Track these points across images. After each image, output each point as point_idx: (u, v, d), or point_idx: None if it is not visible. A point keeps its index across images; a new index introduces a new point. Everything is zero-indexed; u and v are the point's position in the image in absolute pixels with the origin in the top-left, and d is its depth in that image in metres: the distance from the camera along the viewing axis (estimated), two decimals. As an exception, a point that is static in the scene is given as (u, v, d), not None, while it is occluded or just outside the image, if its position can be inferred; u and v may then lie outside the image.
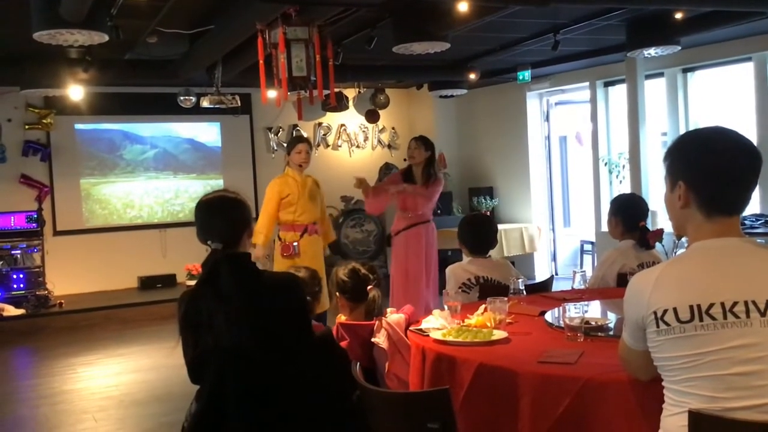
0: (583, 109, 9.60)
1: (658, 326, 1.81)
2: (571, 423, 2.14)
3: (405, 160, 5.89)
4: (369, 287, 3.23)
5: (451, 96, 9.62)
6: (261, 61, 5.17)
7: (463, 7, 5.32)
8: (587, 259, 9.44)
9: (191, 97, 8.63)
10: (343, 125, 10.67)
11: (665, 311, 1.79)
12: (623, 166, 8.78)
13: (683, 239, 1.99)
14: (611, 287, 3.69)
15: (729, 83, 8.18)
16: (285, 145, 10.13)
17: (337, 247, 7.14)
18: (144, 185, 9.68)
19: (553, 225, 10.14)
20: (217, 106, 8.23)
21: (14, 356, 7.30)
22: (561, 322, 2.71)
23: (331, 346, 2.79)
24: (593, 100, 9.09)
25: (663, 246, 3.92)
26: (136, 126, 9.63)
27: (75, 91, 7.87)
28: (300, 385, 2.45)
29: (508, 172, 10.18)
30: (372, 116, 10.32)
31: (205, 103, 8.27)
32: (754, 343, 1.73)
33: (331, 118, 10.45)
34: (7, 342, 7.45)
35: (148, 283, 9.20)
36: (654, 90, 8.46)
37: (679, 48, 6.87)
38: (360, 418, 2.48)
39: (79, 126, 9.27)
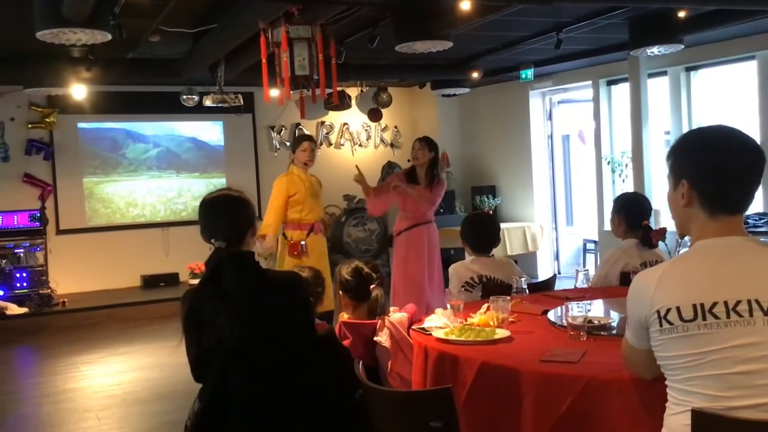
0: (586, 107, 9.59)
1: (661, 325, 1.80)
2: (573, 422, 2.14)
3: (409, 161, 5.86)
4: (372, 286, 3.24)
5: (454, 95, 9.62)
6: (264, 60, 5.17)
7: (465, 6, 5.32)
8: (590, 257, 9.44)
9: (194, 96, 8.63)
10: (345, 124, 10.67)
11: (668, 310, 1.79)
12: (626, 165, 8.77)
13: (686, 238, 1.99)
14: (614, 286, 3.69)
15: (732, 82, 8.16)
16: (288, 143, 10.26)
17: (339, 246, 7.16)
18: (147, 184, 9.69)
19: (556, 224, 10.14)
20: (219, 104, 8.23)
21: (17, 355, 7.32)
22: (564, 321, 2.71)
23: (334, 344, 2.79)
24: (596, 99, 9.08)
25: (666, 245, 3.91)
26: (139, 125, 9.64)
27: (78, 90, 7.87)
28: (303, 383, 2.45)
29: (510, 170, 10.17)
30: (374, 115, 10.31)
31: (207, 102, 8.27)
32: (757, 342, 1.73)
33: (334, 117, 10.45)
34: (10, 340, 7.46)
35: (150, 281, 9.21)
36: (657, 89, 8.44)
37: (682, 47, 6.86)
38: (363, 416, 2.48)
39: (82, 125, 9.28)
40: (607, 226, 4.98)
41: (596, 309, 3.12)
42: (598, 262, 7.66)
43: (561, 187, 10.25)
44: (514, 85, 9.62)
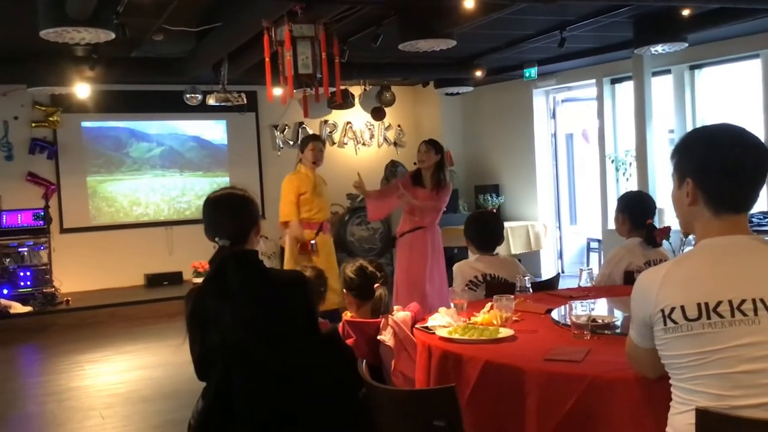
0: (590, 106, 9.58)
1: (665, 324, 1.80)
2: (577, 421, 2.13)
3: (415, 164, 5.85)
4: (376, 285, 3.24)
5: (457, 93, 9.61)
6: (267, 59, 5.17)
7: (469, 4, 5.31)
8: (594, 256, 9.43)
9: (197, 95, 8.64)
10: (349, 123, 10.67)
11: (673, 309, 1.79)
12: (630, 164, 8.76)
13: (690, 237, 1.98)
14: (618, 285, 3.68)
15: (736, 80, 8.14)
16: (291, 142, 10.27)
17: (343, 244, 7.16)
18: (150, 183, 9.70)
19: (560, 222, 10.12)
20: (223, 103, 8.24)
21: (21, 353, 7.33)
22: (567, 319, 2.70)
23: (338, 343, 2.79)
24: (600, 98, 9.06)
25: (670, 244, 3.91)
26: (143, 124, 9.66)
27: (81, 89, 7.88)
28: (306, 382, 2.45)
29: (514, 169, 10.16)
30: (378, 114, 10.31)
31: (211, 101, 8.28)
32: (761, 341, 1.72)
33: (337, 116, 10.45)
34: (14, 339, 7.48)
35: (154, 280, 9.22)
36: (661, 87, 8.43)
37: (687, 45, 6.84)
38: (366, 415, 2.48)
39: (85, 124, 9.29)
40: (611, 225, 4.98)
41: (600, 308, 3.12)
42: (602, 261, 7.65)
43: (564, 185, 10.23)
44: (517, 83, 9.61)
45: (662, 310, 1.80)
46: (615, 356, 2.20)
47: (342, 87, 8.81)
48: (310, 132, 10.32)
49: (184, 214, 9.78)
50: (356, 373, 2.47)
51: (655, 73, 8.30)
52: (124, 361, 6.41)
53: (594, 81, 9.09)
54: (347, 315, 3.20)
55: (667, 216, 7.50)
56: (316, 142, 5.88)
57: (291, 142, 10.33)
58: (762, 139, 1.88)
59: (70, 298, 8.31)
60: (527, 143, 9.95)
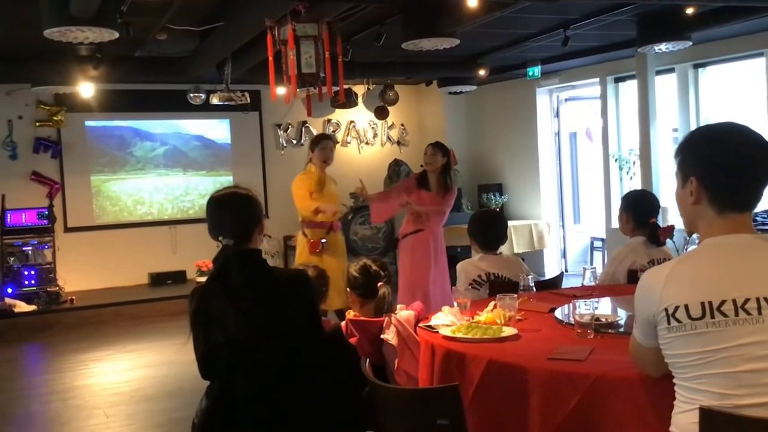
0: (594, 105, 9.57)
1: (669, 323, 1.80)
2: (581, 420, 2.13)
3: (422, 166, 5.85)
4: (379, 284, 3.24)
5: (461, 92, 9.60)
6: (270, 58, 5.18)
7: (472, 3, 5.31)
8: (597, 255, 9.42)
9: (201, 94, 8.65)
10: (352, 122, 10.67)
11: (676, 308, 1.78)
12: (634, 163, 8.75)
13: (694, 236, 1.98)
14: (622, 284, 3.68)
15: (740, 79, 8.13)
16: (295, 141, 10.28)
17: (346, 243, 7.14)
18: (154, 182, 9.71)
19: (563, 221, 10.11)
20: (226, 102, 8.25)
21: (26, 352, 7.35)
22: (571, 318, 2.70)
23: (341, 342, 2.80)
24: (603, 96, 9.05)
25: (674, 242, 3.90)
26: (146, 123, 9.67)
27: (85, 89, 7.90)
28: (309, 380, 2.45)
29: (517, 168, 10.15)
30: (381, 113, 10.31)
31: (214, 100, 8.29)
32: (765, 340, 1.72)
33: (340, 115, 10.46)
34: (19, 338, 7.50)
35: (158, 279, 9.23)
36: (665, 86, 8.41)
37: (690, 43, 6.83)
38: (369, 414, 2.48)
39: (89, 123, 9.31)
40: (615, 224, 4.97)
41: (604, 307, 3.11)
42: (606, 260, 7.64)
43: (568, 184, 10.22)
44: (521, 82, 9.59)
45: (666, 309, 1.80)
46: (618, 355, 2.20)
47: (345, 86, 8.82)
48: (314, 131, 10.33)
49: (188, 213, 9.79)
50: (359, 371, 2.47)
51: (658, 72, 8.28)
52: (128, 360, 6.43)
53: (597, 80, 9.08)
54: (350, 314, 3.20)
55: (671, 215, 7.48)
56: (327, 141, 5.90)
57: (294, 141, 10.34)
58: (766, 137, 1.88)
59: (74, 297, 8.33)
60: (530, 142, 9.94)
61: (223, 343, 2.37)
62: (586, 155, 10.28)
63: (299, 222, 5.92)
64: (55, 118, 8.95)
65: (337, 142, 10.57)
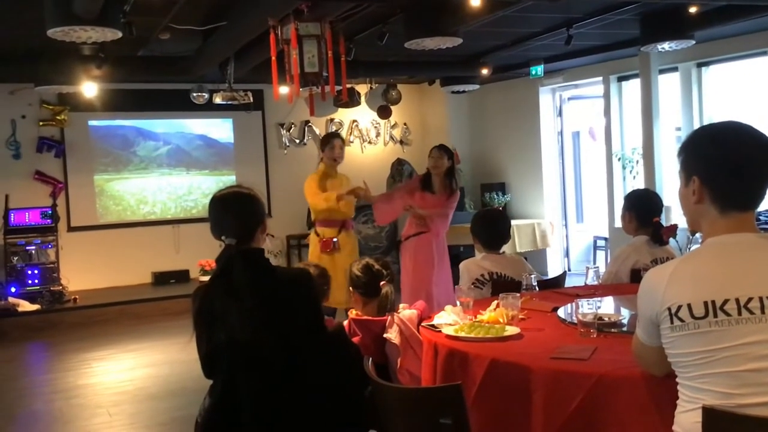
0: (597, 104, 9.56)
1: (672, 322, 1.80)
2: (584, 419, 2.13)
3: (428, 168, 5.86)
4: (382, 283, 3.24)
5: (463, 91, 9.60)
6: (273, 57, 5.18)
7: (475, 2, 5.31)
8: (600, 254, 9.41)
9: (204, 94, 8.66)
10: (355, 121, 10.67)
11: (679, 307, 1.78)
12: (637, 162, 8.74)
13: (697, 235, 1.98)
14: (624, 283, 3.67)
15: (744, 78, 8.11)
16: (298, 141, 10.29)
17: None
18: (157, 181, 9.72)
19: (566, 221, 10.10)
20: (229, 102, 8.25)
21: (29, 351, 7.37)
22: (574, 318, 2.70)
23: (344, 341, 2.80)
24: (606, 95, 9.04)
25: (677, 242, 3.89)
26: (150, 122, 9.68)
27: (89, 88, 7.91)
28: (312, 380, 2.45)
29: (520, 167, 10.15)
30: (384, 112, 10.31)
31: (217, 100, 8.30)
32: (768, 339, 1.72)
33: (343, 114, 10.46)
34: (22, 337, 7.52)
35: (161, 278, 9.25)
36: (668, 85, 8.40)
37: (694, 42, 6.82)
38: (372, 413, 2.49)
39: (92, 122, 9.32)
40: (618, 223, 4.98)
41: (607, 306, 3.11)
42: (609, 259, 7.63)
43: (571, 183, 10.21)
44: (524, 81, 9.59)
45: (669, 308, 1.80)
46: (621, 354, 2.20)
47: (348, 85, 8.83)
48: (317, 130, 10.35)
49: (191, 213, 9.80)
50: (362, 370, 2.47)
51: (662, 71, 8.27)
52: (131, 359, 6.44)
53: (601, 79, 9.07)
54: (353, 313, 3.20)
55: (674, 214, 7.48)
56: (336, 140, 5.91)
57: (297, 141, 10.35)
58: (769, 136, 1.87)
59: (77, 296, 8.34)
60: (533, 141, 9.93)
61: (225, 342, 2.37)
62: (589, 154, 10.27)
63: (312, 221, 5.96)
64: (58, 117, 8.97)
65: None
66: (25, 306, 7.94)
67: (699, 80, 8.23)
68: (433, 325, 2.84)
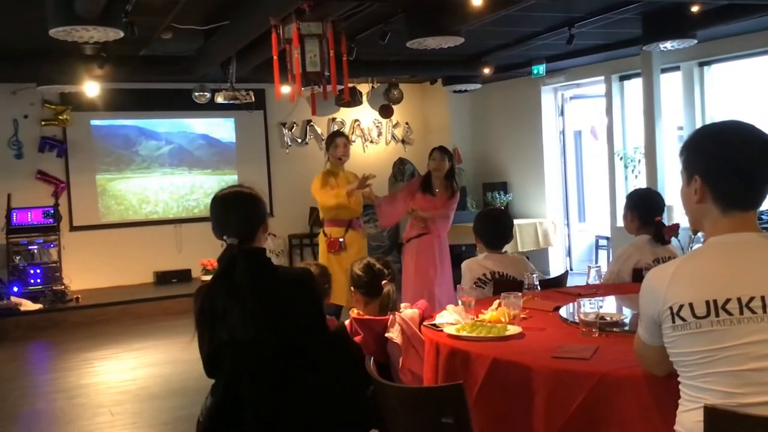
0: (599, 103, 9.55)
1: (673, 321, 1.80)
2: (585, 418, 2.13)
3: (430, 170, 5.89)
4: (383, 282, 3.24)
5: (465, 91, 9.59)
6: (275, 57, 5.18)
7: (476, 1, 5.30)
8: (602, 254, 9.40)
9: (206, 93, 8.66)
10: (356, 120, 10.68)
11: (681, 306, 1.78)
12: (639, 161, 8.73)
13: (699, 234, 1.97)
14: (626, 282, 3.67)
15: (746, 77, 8.10)
16: (299, 140, 10.29)
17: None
18: (159, 181, 9.73)
19: (568, 220, 10.10)
20: (231, 101, 8.26)
21: (31, 351, 7.38)
22: (576, 317, 2.70)
23: (346, 340, 2.80)
24: (608, 95, 9.03)
25: (679, 241, 3.89)
26: (152, 122, 9.69)
27: (91, 88, 7.92)
28: (314, 379, 2.45)
29: (522, 167, 10.14)
30: (386, 111, 10.30)
31: (219, 99, 8.30)
32: (770, 338, 1.72)
33: (345, 114, 10.46)
34: (25, 336, 7.53)
35: (163, 278, 9.26)
36: (670, 84, 8.39)
37: (696, 41, 6.81)
38: (374, 412, 2.49)
39: (94, 122, 9.33)
40: (620, 222, 4.96)
41: (608, 305, 3.11)
42: (611, 259, 7.63)
43: (573, 183, 10.20)
44: (525, 80, 9.58)
45: (671, 308, 1.80)
46: (623, 354, 2.20)
47: (350, 85, 8.81)
48: (318, 130, 10.36)
49: (193, 212, 9.81)
50: (364, 370, 2.47)
51: (664, 70, 8.26)
52: (133, 359, 6.44)
53: (602, 78, 9.06)
54: (354, 312, 3.20)
55: (676, 213, 7.47)
56: (339, 138, 5.92)
57: (299, 140, 10.36)
58: (771, 136, 1.87)
59: (79, 296, 8.35)
60: (535, 140, 9.93)
61: (227, 341, 2.37)
62: (591, 153, 10.26)
63: (321, 221, 5.97)
64: (60, 117, 8.98)
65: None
66: (28, 305, 7.95)
67: (701, 79, 8.22)
68: (434, 325, 2.84)
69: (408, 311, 3.08)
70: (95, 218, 9.31)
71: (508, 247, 4.06)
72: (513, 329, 2.67)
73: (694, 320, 1.76)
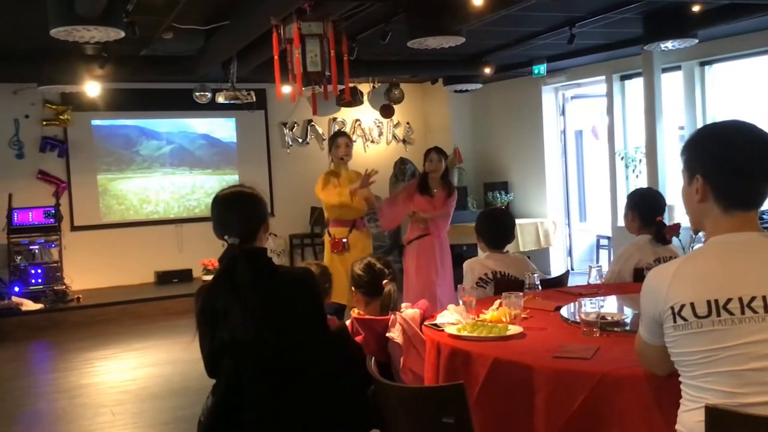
0: (600, 103, 9.54)
1: (675, 321, 1.80)
2: (586, 418, 2.13)
3: (426, 171, 5.91)
4: (384, 282, 3.24)
5: (466, 90, 9.58)
6: (276, 57, 5.18)
7: (477, 1, 5.30)
8: (603, 254, 9.40)
9: (207, 93, 8.66)
10: (357, 120, 10.68)
11: (682, 306, 1.78)
12: (640, 161, 8.72)
13: (700, 234, 1.97)
14: (627, 282, 3.67)
15: (747, 76, 8.10)
16: (300, 140, 10.30)
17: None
18: (160, 181, 9.73)
19: (569, 220, 10.09)
20: (232, 101, 8.26)
21: (32, 350, 7.38)
22: (577, 317, 2.70)
23: (347, 340, 2.80)
24: (609, 94, 9.03)
25: (680, 240, 3.89)
26: (152, 122, 9.69)
27: (91, 88, 7.92)
28: (315, 379, 2.45)
29: (523, 166, 10.14)
30: (387, 111, 10.30)
31: (220, 99, 8.30)
32: (771, 338, 1.71)
33: (346, 114, 10.46)
34: (26, 336, 7.53)
35: (164, 278, 9.26)
36: (671, 83, 8.38)
37: (697, 41, 6.81)
38: (374, 412, 2.48)
39: (95, 122, 9.34)
40: (621, 222, 4.95)
41: (609, 305, 3.11)
42: (612, 258, 7.62)
43: (574, 182, 10.20)
44: (526, 80, 9.58)
45: (672, 308, 1.80)
46: (624, 353, 2.20)
47: (351, 84, 8.81)
48: (319, 130, 10.36)
49: (194, 212, 9.81)
50: (365, 370, 2.47)
51: (665, 70, 8.25)
52: (134, 359, 6.44)
53: (603, 77, 9.06)
54: (355, 312, 3.20)
55: (677, 213, 7.46)
56: (340, 138, 5.93)
57: (300, 140, 10.36)
58: (772, 135, 1.87)
59: (80, 296, 8.35)
60: (536, 140, 9.93)
61: (228, 341, 2.37)
62: (592, 153, 10.26)
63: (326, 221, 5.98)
64: (61, 117, 8.98)
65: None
66: (29, 305, 7.96)
67: (702, 79, 8.21)
68: (435, 324, 2.84)
69: (409, 311, 3.08)
70: (96, 218, 9.31)
71: (509, 247, 4.07)
72: (514, 329, 2.67)
73: (696, 320, 1.76)
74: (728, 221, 1.84)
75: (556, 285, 3.90)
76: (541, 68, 8.63)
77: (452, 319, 2.84)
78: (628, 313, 2.84)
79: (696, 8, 6.28)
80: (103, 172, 9.41)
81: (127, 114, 9.48)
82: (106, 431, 4.61)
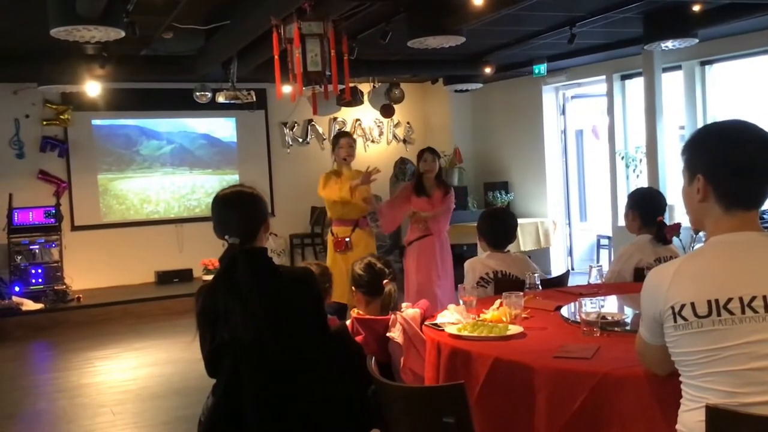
0: (600, 102, 9.54)
1: (675, 321, 1.79)
2: (587, 418, 2.13)
3: (421, 172, 5.93)
4: (385, 281, 3.23)
5: (467, 90, 9.59)
6: (276, 57, 5.18)
7: (478, 1, 5.30)
8: (604, 253, 9.39)
9: (207, 93, 8.66)
10: (358, 120, 10.67)
11: (683, 306, 1.78)
12: (640, 160, 8.72)
13: (701, 234, 1.97)
14: (628, 282, 3.67)
15: (748, 76, 8.09)
16: (300, 140, 10.30)
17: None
18: (160, 180, 9.73)
19: (569, 219, 10.09)
20: (232, 101, 8.26)
21: (33, 350, 7.38)
22: (577, 316, 2.70)
23: (347, 340, 2.80)
24: (610, 94, 9.03)
25: (680, 240, 3.89)
26: (153, 121, 9.69)
27: (92, 87, 7.92)
28: (315, 378, 2.45)
29: (523, 166, 10.13)
30: (387, 111, 10.30)
31: (220, 99, 8.30)
32: (772, 338, 1.71)
33: (346, 113, 10.46)
34: (26, 336, 7.53)
35: (164, 277, 9.26)
36: (671, 83, 8.38)
37: (697, 41, 6.80)
38: (375, 412, 2.48)
39: (96, 122, 9.34)
40: (621, 222, 4.96)
41: (610, 305, 3.11)
42: (612, 258, 7.62)
43: (574, 182, 10.20)
44: (527, 80, 9.58)
45: (672, 307, 1.80)
46: (625, 353, 2.20)
47: (351, 84, 8.80)
48: (320, 129, 10.37)
49: (194, 212, 9.81)
50: (365, 370, 2.47)
51: (665, 69, 8.25)
52: (134, 358, 6.44)
53: (604, 77, 9.06)
54: (356, 312, 3.20)
55: (678, 212, 7.46)
56: (342, 139, 5.93)
57: (300, 140, 10.36)
58: (773, 135, 1.86)
59: (81, 296, 8.36)
60: (537, 140, 9.92)
61: (229, 341, 2.37)
62: (593, 153, 10.26)
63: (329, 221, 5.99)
64: (61, 116, 8.98)
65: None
66: (29, 305, 7.96)
67: (702, 78, 8.21)
68: (436, 324, 2.84)
69: (409, 311, 3.08)
70: (96, 218, 9.32)
71: (510, 247, 4.07)
72: (514, 329, 2.67)
73: (696, 320, 1.76)
74: (729, 221, 1.84)
75: (557, 285, 3.90)
76: (542, 68, 8.63)
77: (452, 319, 2.84)
78: (629, 313, 2.84)
79: (696, 8, 6.28)
80: (103, 172, 9.41)
81: (128, 114, 9.48)
82: (106, 431, 4.61)
